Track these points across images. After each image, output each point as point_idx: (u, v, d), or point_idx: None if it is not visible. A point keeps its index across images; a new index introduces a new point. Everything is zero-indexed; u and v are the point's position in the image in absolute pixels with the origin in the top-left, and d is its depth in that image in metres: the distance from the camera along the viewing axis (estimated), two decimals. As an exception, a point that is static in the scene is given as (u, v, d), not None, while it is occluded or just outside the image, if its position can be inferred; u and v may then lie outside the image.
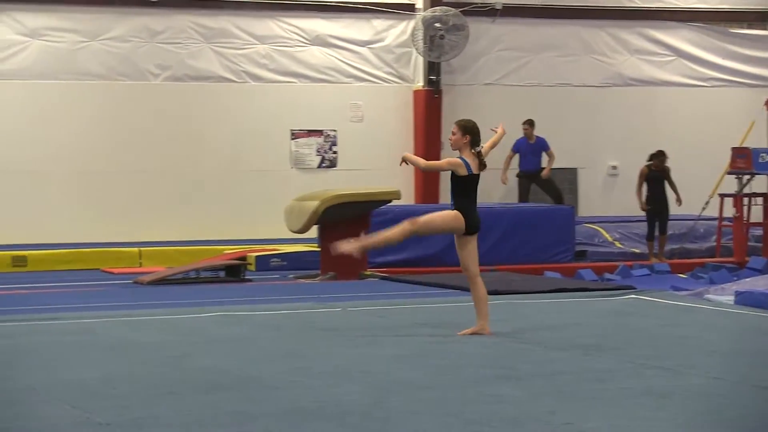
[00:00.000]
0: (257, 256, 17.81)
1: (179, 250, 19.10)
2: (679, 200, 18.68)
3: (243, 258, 17.23)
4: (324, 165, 22.05)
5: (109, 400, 7.14)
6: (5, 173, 20.28)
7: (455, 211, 9.93)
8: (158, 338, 9.82)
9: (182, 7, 21.26)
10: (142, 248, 19.13)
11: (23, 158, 20.30)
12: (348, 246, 9.89)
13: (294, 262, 17.79)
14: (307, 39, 21.98)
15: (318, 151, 22.07)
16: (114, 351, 9.18)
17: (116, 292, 14.74)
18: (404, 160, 10.10)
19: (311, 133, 22.04)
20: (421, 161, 10.28)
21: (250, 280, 16.10)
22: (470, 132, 10.03)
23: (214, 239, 20.37)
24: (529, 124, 21.12)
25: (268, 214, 20.52)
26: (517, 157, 21.17)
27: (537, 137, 21.08)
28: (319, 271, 16.26)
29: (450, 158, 10.04)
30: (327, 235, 16.18)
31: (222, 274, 16.26)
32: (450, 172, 9.98)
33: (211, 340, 9.77)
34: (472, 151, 9.97)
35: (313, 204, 16.08)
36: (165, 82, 21.17)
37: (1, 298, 14.03)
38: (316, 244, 17.48)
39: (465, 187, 9.95)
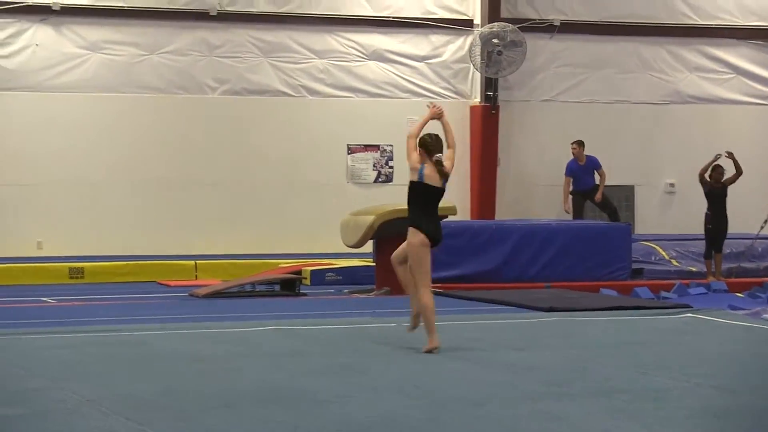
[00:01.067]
0: (312, 271, 17.83)
1: (235, 264, 19.15)
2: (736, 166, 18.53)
3: (298, 272, 17.26)
4: (380, 180, 22.07)
5: (164, 412, 7.16)
6: (63, 185, 20.45)
7: (410, 229, 10.06)
8: (213, 351, 9.85)
9: (241, 21, 21.36)
10: (197, 261, 19.21)
11: (81, 170, 20.46)
12: (431, 345, 9.94)
13: (349, 277, 17.78)
14: (364, 54, 22.02)
15: (374, 166, 22.09)
16: (169, 363, 9.22)
17: (172, 304, 14.80)
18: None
19: (368, 147, 22.07)
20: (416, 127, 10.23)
21: (305, 294, 16.11)
22: (422, 144, 10.15)
23: (270, 253, 20.40)
24: (579, 144, 20.94)
25: (323, 229, 20.55)
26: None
27: (587, 157, 20.91)
28: (374, 286, 16.25)
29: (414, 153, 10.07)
30: (382, 250, 16.18)
31: (277, 287, 16.29)
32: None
33: (265, 353, 9.78)
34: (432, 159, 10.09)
35: (369, 219, 16.09)
36: (223, 95, 21.27)
37: (58, 310, 14.14)
38: (371, 259, 17.47)
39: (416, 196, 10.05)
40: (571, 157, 20.99)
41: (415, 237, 10.02)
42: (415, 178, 10.03)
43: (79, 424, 6.85)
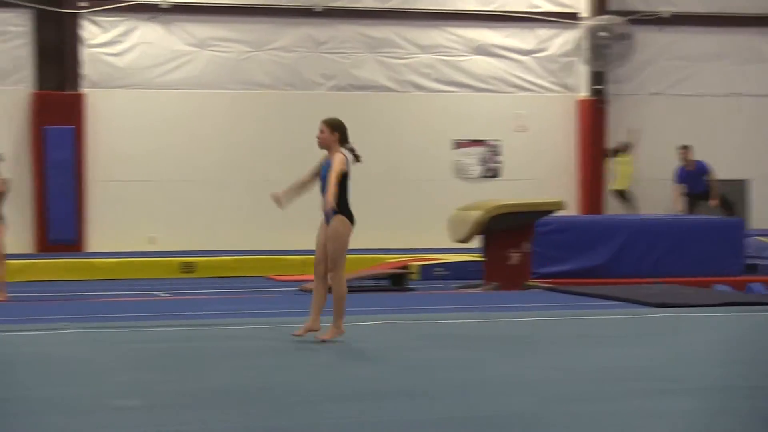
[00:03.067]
0: (421, 266, 17.82)
1: (343, 259, 19.17)
2: None
3: (405, 267, 17.26)
4: (486, 175, 21.99)
5: (269, 406, 7.18)
6: (174, 181, 20.71)
7: (340, 218, 9.95)
8: (321, 346, 9.86)
9: (347, 17, 21.44)
10: (306, 256, 19.27)
11: (192, 166, 20.70)
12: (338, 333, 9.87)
13: (457, 272, 17.73)
14: (470, 48, 21.96)
15: (480, 161, 22.02)
16: (276, 357, 9.26)
17: (281, 299, 14.89)
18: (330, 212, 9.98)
19: (474, 143, 22.00)
20: (331, 194, 10.01)
21: (413, 290, 16.11)
22: (339, 129, 10.07)
23: (377, 248, 20.43)
24: (685, 148, 20.36)
25: (430, 223, 20.54)
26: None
27: (696, 162, 20.28)
28: (482, 281, 16.19)
29: (338, 162, 9.94)
30: (491, 245, 16.13)
31: (386, 282, 16.30)
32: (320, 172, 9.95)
33: (374, 348, 9.79)
34: (345, 148, 10.03)
35: (476, 214, 16.03)
36: (329, 91, 21.37)
37: (169, 304, 14.30)
38: (479, 254, 17.41)
39: (344, 185, 10.04)
40: (680, 162, 20.44)
41: (347, 226, 9.98)
42: (347, 168, 9.94)
43: (186, 417, 6.90)
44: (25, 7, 20.14)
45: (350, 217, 10.09)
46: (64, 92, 20.21)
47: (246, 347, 9.83)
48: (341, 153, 9.99)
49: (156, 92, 20.68)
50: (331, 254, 9.96)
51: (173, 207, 20.61)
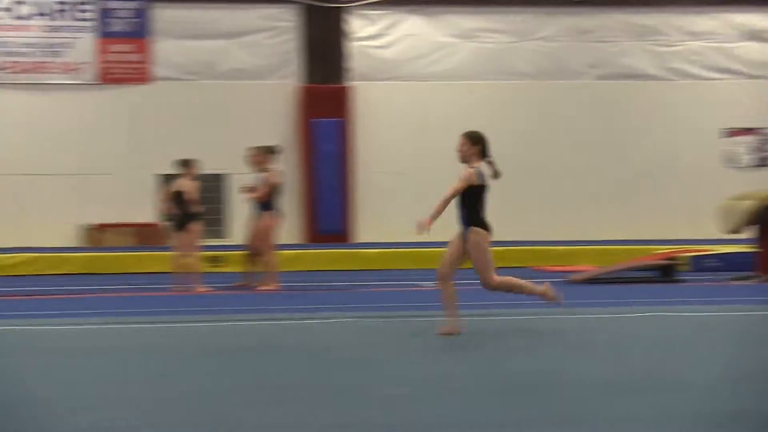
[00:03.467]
0: (692, 257, 17.37)
1: (610, 249, 18.92)
2: None
3: (673, 258, 16.87)
4: (758, 164, 21.31)
5: (532, 396, 7.08)
6: (439, 172, 20.80)
7: (475, 230, 9.58)
8: (589, 336, 9.69)
9: (612, 5, 21.12)
10: (573, 246, 19.10)
11: (455, 158, 20.75)
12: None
13: (729, 263, 17.18)
14: (741, 34, 21.31)
15: (752, 150, 21.35)
16: (549, 346, 9.14)
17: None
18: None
19: (746, 131, 21.35)
20: (439, 206, 9.78)
21: (683, 281, 15.73)
22: (479, 142, 9.69)
23: (647, 239, 20.04)
24: None
25: (699, 213, 20.03)
26: None
27: None
28: (755, 273, 15.66)
29: (462, 179, 9.64)
30: (765, 236, 15.57)
31: (654, 274, 15.99)
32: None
33: (644, 339, 9.57)
34: (484, 160, 9.61)
35: (748, 204, 15.52)
36: (595, 80, 21.10)
37: (434, 294, 14.35)
38: (753, 245, 16.84)
39: (479, 197, 9.61)
40: None
41: (483, 236, 9.68)
42: (479, 181, 9.67)
43: (455, 405, 6.87)
44: (293, 2, 20.61)
45: (485, 226, 9.73)
46: (332, 85, 20.59)
47: (515, 336, 9.77)
48: (471, 168, 9.69)
49: (421, 84, 20.85)
50: (477, 265, 9.78)
51: (437, 197, 20.70)
